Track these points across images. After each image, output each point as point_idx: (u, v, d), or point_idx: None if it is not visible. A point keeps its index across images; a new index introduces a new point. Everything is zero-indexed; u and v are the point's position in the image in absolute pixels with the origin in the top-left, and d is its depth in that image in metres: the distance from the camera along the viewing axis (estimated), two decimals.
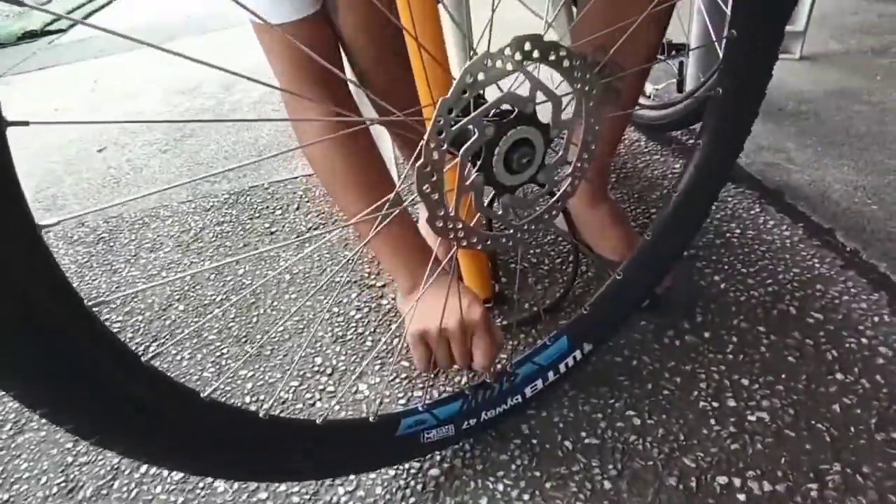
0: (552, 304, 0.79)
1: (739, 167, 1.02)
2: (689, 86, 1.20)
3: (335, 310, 0.85)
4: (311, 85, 0.58)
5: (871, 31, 1.49)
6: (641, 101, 1.19)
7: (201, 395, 0.42)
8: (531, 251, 0.90)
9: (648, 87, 1.25)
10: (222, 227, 1.11)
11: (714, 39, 1.08)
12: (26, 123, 0.29)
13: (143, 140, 1.56)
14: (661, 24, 0.68)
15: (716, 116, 0.62)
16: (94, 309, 0.35)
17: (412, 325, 0.61)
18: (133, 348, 0.39)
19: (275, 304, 0.89)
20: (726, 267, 0.81)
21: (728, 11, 1.07)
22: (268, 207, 1.15)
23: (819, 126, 1.12)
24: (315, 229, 1.06)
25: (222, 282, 0.95)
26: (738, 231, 0.87)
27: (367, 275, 0.91)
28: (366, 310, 0.84)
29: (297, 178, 1.23)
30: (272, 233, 1.07)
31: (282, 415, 0.70)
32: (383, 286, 0.88)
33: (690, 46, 1.18)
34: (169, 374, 0.79)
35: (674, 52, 1.22)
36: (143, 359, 0.38)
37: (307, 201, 1.14)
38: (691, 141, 1.13)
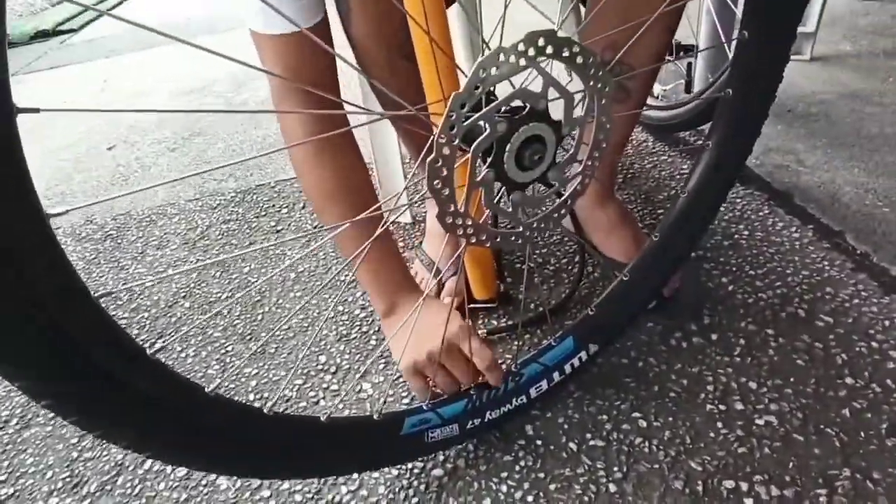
0: (558, 305, 0.79)
1: (748, 168, 1.01)
2: (697, 86, 1.19)
3: (340, 308, 0.85)
4: (303, 92, 0.58)
5: (883, 32, 1.47)
6: (649, 101, 1.18)
7: (206, 389, 0.42)
8: (537, 250, 0.90)
9: (656, 88, 1.24)
10: (228, 225, 1.11)
11: (723, 40, 1.07)
12: (37, 110, 0.29)
13: (151, 138, 1.57)
14: (670, 25, 0.68)
15: (725, 118, 0.61)
16: (101, 300, 0.35)
17: (402, 360, 0.60)
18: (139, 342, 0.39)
19: (280, 301, 0.89)
20: (734, 269, 0.80)
21: (738, 12, 1.06)
22: (274, 206, 1.15)
23: (829, 128, 1.11)
24: (321, 227, 1.06)
25: (228, 279, 0.96)
26: (746, 233, 0.86)
27: None
28: (370, 308, 0.84)
29: None
30: (278, 231, 1.07)
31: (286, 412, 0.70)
32: None
33: (699, 47, 1.17)
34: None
35: (682, 53, 1.21)
36: (148, 352, 0.38)
37: None
38: (699, 141, 1.12)
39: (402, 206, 1.01)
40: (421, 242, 0.90)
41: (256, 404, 0.72)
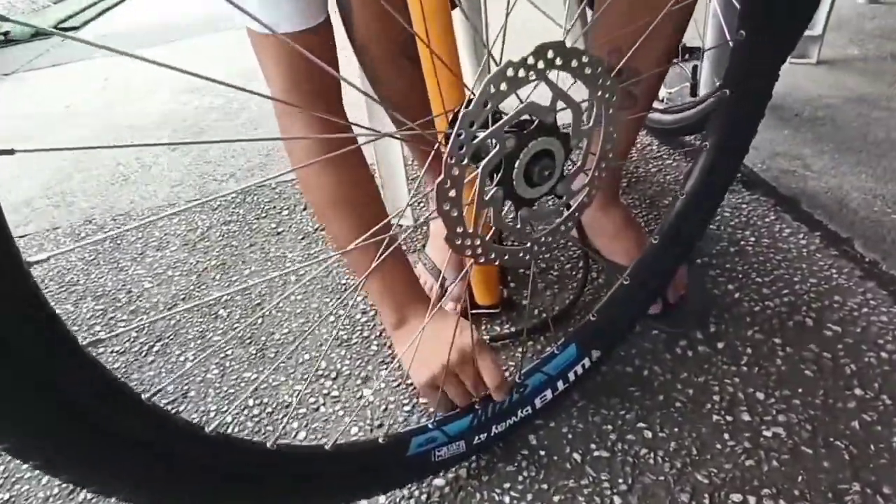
0: (561, 311, 0.78)
1: (754, 174, 1.00)
2: (703, 90, 1.18)
3: (341, 312, 0.84)
4: (304, 98, 0.56)
5: (890, 35, 1.46)
6: (654, 104, 1.17)
7: (206, 429, 0.40)
8: (540, 256, 0.89)
9: (661, 91, 1.23)
10: (229, 226, 1.10)
11: (730, 42, 1.05)
12: (11, 152, 0.27)
13: (152, 138, 1.56)
14: (677, 26, 0.67)
15: (722, 118, 0.60)
16: (90, 348, 0.32)
17: (416, 376, 0.59)
18: (133, 386, 0.36)
19: (280, 305, 0.88)
20: (741, 276, 0.79)
21: None
22: (275, 207, 1.14)
23: (836, 132, 1.10)
24: (322, 229, 1.05)
25: (228, 282, 0.95)
26: (752, 239, 0.85)
27: None
28: (371, 313, 0.83)
29: None
30: (279, 233, 1.06)
31: (288, 425, 0.69)
32: None
33: (705, 49, 1.16)
34: (170, 376, 0.78)
35: (688, 56, 1.20)
36: (144, 398, 0.36)
37: None
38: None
39: (409, 222, 0.99)
40: (424, 246, 0.89)
41: (256, 410, 0.71)
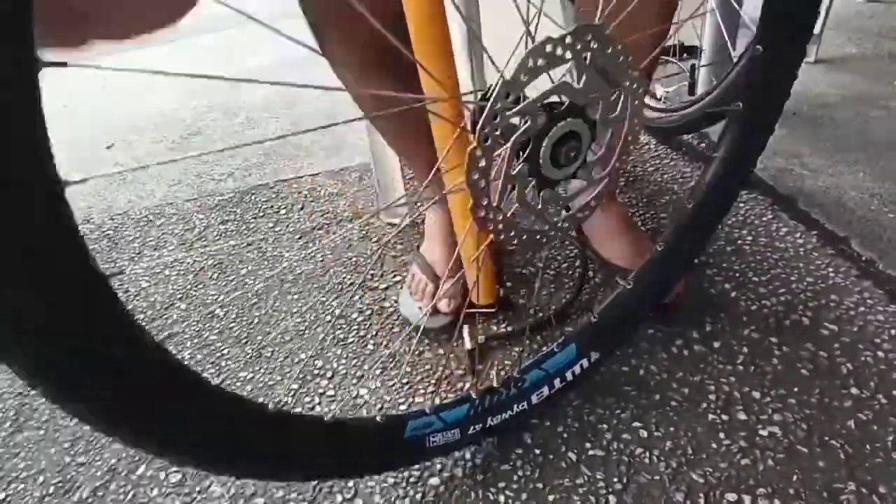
0: (559, 310, 0.77)
1: (752, 172, 1.00)
2: (700, 88, 1.18)
3: (337, 312, 0.84)
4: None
5: (889, 34, 1.46)
6: (652, 103, 1.17)
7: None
8: (537, 255, 0.89)
9: (659, 90, 1.23)
10: (226, 225, 1.10)
11: (727, 39, 1.05)
12: (64, 64, 0.28)
13: (150, 137, 1.56)
14: (664, 17, 0.66)
15: (735, 131, 0.61)
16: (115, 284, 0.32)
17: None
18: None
19: (277, 304, 0.88)
20: (738, 275, 0.79)
21: (742, 13, 1.05)
22: (272, 206, 1.14)
23: (834, 131, 1.10)
24: (319, 229, 1.05)
25: (224, 281, 0.95)
26: (749, 238, 0.85)
27: (370, 277, 0.90)
28: (368, 312, 0.83)
29: (302, 177, 1.22)
30: (276, 232, 1.06)
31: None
32: (386, 289, 0.87)
33: (702, 49, 1.16)
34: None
35: (685, 55, 1.20)
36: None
37: (312, 201, 1.13)
38: (702, 145, 1.11)
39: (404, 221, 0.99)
40: (419, 246, 0.89)
41: None
